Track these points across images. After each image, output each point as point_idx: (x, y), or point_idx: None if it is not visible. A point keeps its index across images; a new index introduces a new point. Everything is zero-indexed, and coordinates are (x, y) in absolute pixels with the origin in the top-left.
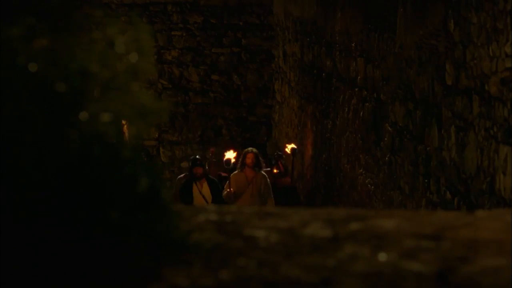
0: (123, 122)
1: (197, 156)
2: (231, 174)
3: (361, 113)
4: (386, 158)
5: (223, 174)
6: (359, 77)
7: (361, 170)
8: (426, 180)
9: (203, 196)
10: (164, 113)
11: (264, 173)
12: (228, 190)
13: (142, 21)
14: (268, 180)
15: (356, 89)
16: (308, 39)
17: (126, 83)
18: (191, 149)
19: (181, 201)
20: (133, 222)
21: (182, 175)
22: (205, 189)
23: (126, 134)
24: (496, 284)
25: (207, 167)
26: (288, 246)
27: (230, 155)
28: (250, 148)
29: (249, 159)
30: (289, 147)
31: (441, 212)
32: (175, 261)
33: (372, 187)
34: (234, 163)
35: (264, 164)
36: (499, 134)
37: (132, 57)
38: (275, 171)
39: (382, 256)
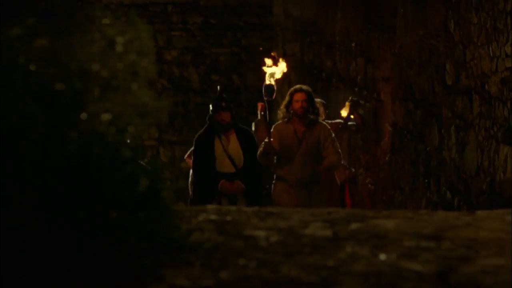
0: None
1: (224, 95)
2: (274, 125)
3: (361, 113)
4: (386, 158)
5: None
6: (359, 77)
7: (361, 170)
8: (426, 180)
9: (229, 157)
10: (164, 112)
11: (324, 122)
12: (266, 141)
13: (141, 21)
14: (332, 133)
15: (356, 89)
16: (308, 39)
17: (126, 83)
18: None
19: (197, 166)
20: (133, 222)
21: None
22: (234, 145)
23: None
24: (496, 284)
25: (253, 129)
26: (288, 246)
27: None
28: (299, 86)
29: (297, 103)
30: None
31: (441, 212)
32: (175, 261)
33: (372, 187)
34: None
35: (321, 110)
36: (499, 134)
37: (132, 57)
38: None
39: (382, 256)
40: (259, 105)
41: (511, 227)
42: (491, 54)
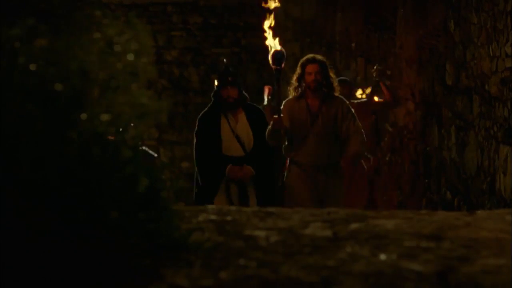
0: None
1: (230, 68)
2: (284, 101)
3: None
4: (386, 158)
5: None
6: (359, 77)
7: None
8: (426, 180)
9: (238, 138)
10: (163, 113)
11: (342, 97)
12: (275, 117)
13: (140, 22)
14: (352, 109)
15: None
16: (308, 39)
17: (126, 83)
18: (191, 149)
19: (200, 149)
20: (133, 222)
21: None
22: (242, 125)
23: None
24: (496, 284)
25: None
26: (288, 246)
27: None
28: (311, 56)
29: (310, 76)
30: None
31: (441, 212)
32: (175, 261)
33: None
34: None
35: (337, 86)
36: (499, 134)
37: (131, 57)
38: (376, 99)
39: (382, 256)
40: (266, 88)
41: (511, 227)
42: (491, 54)
